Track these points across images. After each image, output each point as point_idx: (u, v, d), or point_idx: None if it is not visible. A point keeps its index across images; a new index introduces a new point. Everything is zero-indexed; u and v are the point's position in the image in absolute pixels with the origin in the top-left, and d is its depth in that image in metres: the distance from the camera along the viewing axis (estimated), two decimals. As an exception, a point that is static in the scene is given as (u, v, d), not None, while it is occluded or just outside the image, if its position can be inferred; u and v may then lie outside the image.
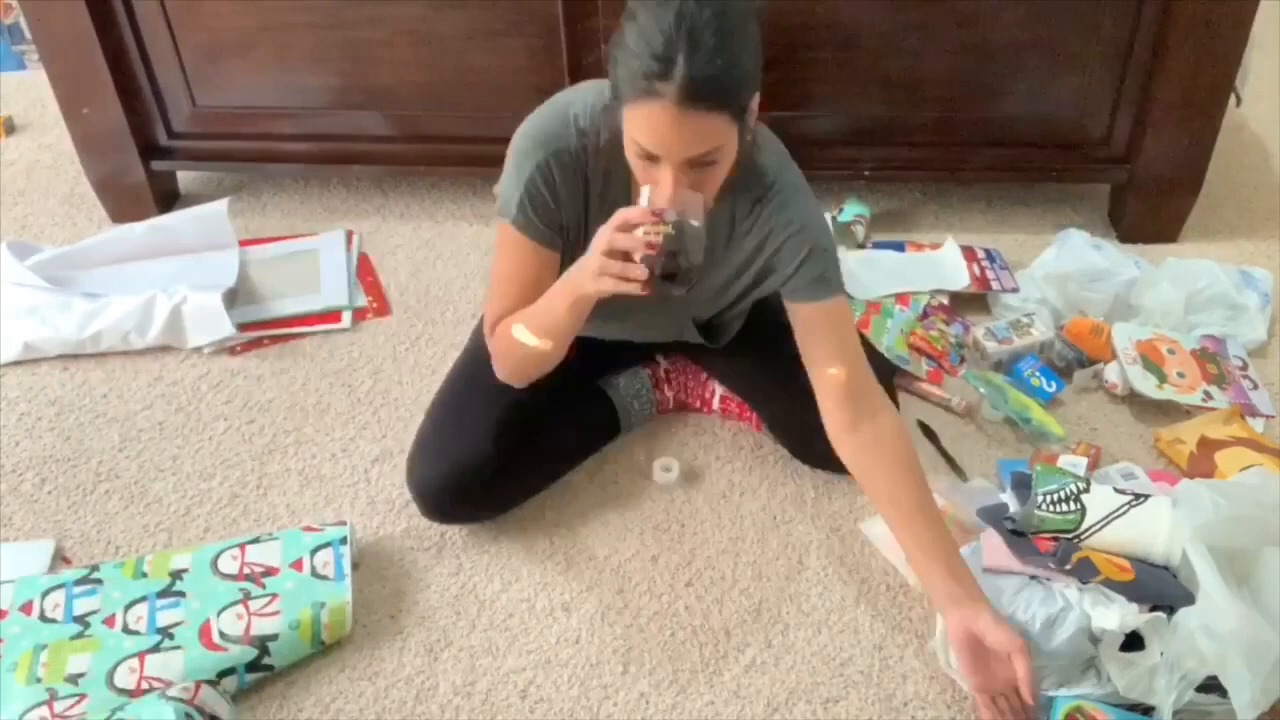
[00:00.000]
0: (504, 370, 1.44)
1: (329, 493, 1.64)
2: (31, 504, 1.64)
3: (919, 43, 1.94)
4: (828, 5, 1.92)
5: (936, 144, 2.08)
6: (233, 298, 1.98)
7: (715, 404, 1.72)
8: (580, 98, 1.34)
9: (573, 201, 1.35)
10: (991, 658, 1.23)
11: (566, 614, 1.46)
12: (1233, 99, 1.96)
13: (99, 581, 1.45)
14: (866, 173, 2.10)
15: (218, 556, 1.47)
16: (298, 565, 1.45)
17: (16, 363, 1.89)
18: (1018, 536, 1.35)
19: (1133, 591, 1.26)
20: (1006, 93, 2.00)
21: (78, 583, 1.45)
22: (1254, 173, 2.33)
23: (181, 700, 1.25)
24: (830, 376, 1.38)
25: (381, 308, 2.01)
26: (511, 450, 1.51)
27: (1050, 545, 1.33)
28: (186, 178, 2.36)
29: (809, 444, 1.60)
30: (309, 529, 1.51)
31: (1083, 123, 2.02)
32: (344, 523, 1.52)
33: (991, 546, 1.35)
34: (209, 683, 1.30)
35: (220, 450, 1.73)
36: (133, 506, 1.63)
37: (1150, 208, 2.08)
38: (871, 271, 1.94)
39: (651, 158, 1.17)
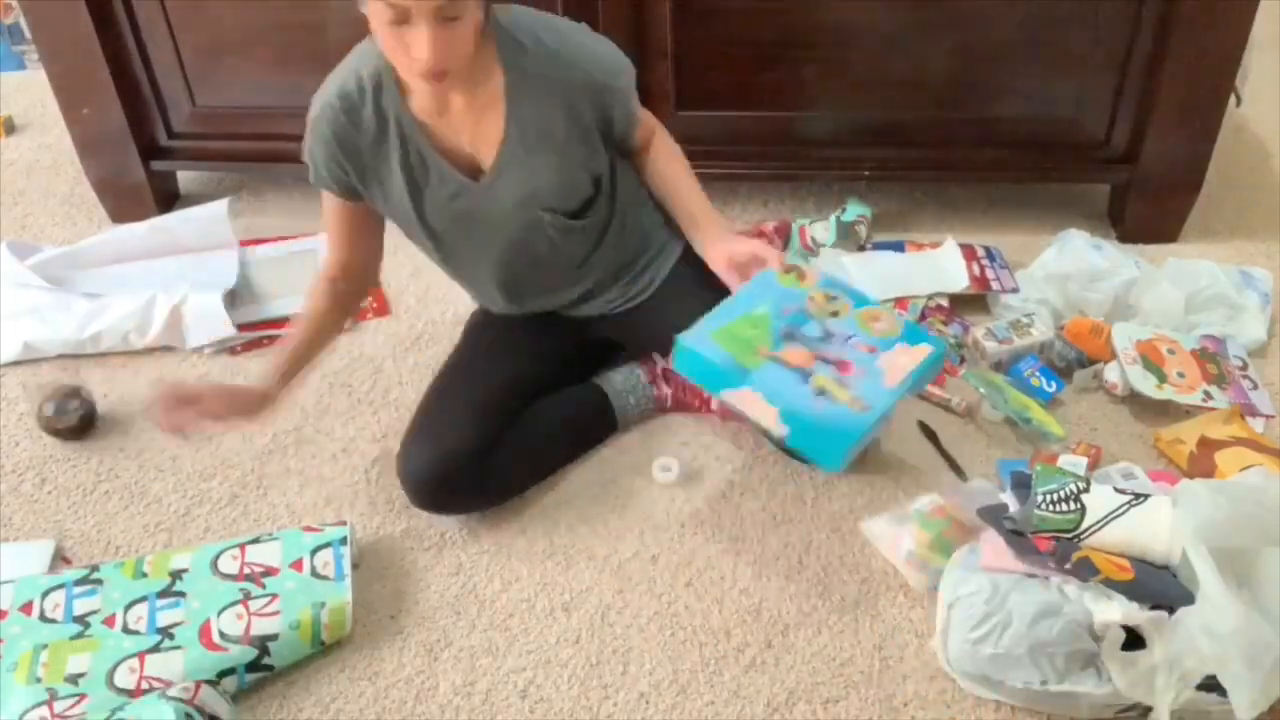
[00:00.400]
0: None
1: (329, 493, 1.64)
2: (31, 504, 1.64)
3: (919, 43, 1.94)
4: (828, 5, 1.92)
5: (936, 144, 2.08)
6: (233, 298, 1.98)
7: (715, 404, 1.72)
8: (346, 65, 1.45)
9: (359, 156, 1.45)
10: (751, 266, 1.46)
11: (566, 614, 1.46)
12: (1233, 99, 1.96)
13: (99, 581, 1.45)
14: (866, 173, 2.10)
15: (218, 557, 1.47)
16: (298, 565, 1.45)
17: (16, 363, 1.89)
18: (1017, 536, 1.35)
19: (1133, 591, 1.26)
20: (1006, 93, 2.00)
21: (78, 583, 1.45)
22: (1254, 173, 2.33)
23: (182, 700, 1.25)
24: (642, 140, 1.57)
25: (381, 308, 2.01)
26: (498, 437, 1.53)
27: (1050, 545, 1.33)
28: (186, 178, 2.37)
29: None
30: (309, 529, 1.51)
31: (1083, 123, 2.02)
32: (344, 523, 1.52)
33: (991, 546, 1.35)
34: (209, 683, 1.31)
35: (220, 450, 1.73)
36: (133, 506, 1.63)
37: (1150, 208, 2.08)
38: (870, 275, 1.94)
39: (402, 20, 1.24)
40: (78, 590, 1.44)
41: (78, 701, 1.30)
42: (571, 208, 1.51)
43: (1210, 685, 1.20)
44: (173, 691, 1.27)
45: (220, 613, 1.39)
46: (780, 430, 1.29)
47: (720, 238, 1.50)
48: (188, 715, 1.24)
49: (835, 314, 1.40)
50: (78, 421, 1.73)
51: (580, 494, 1.62)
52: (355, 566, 1.49)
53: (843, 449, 1.29)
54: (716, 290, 1.48)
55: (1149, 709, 1.23)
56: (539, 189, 1.47)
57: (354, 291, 1.61)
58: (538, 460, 1.63)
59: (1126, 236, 2.11)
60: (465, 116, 1.42)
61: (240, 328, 1.93)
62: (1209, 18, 1.83)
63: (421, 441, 1.54)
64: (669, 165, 1.58)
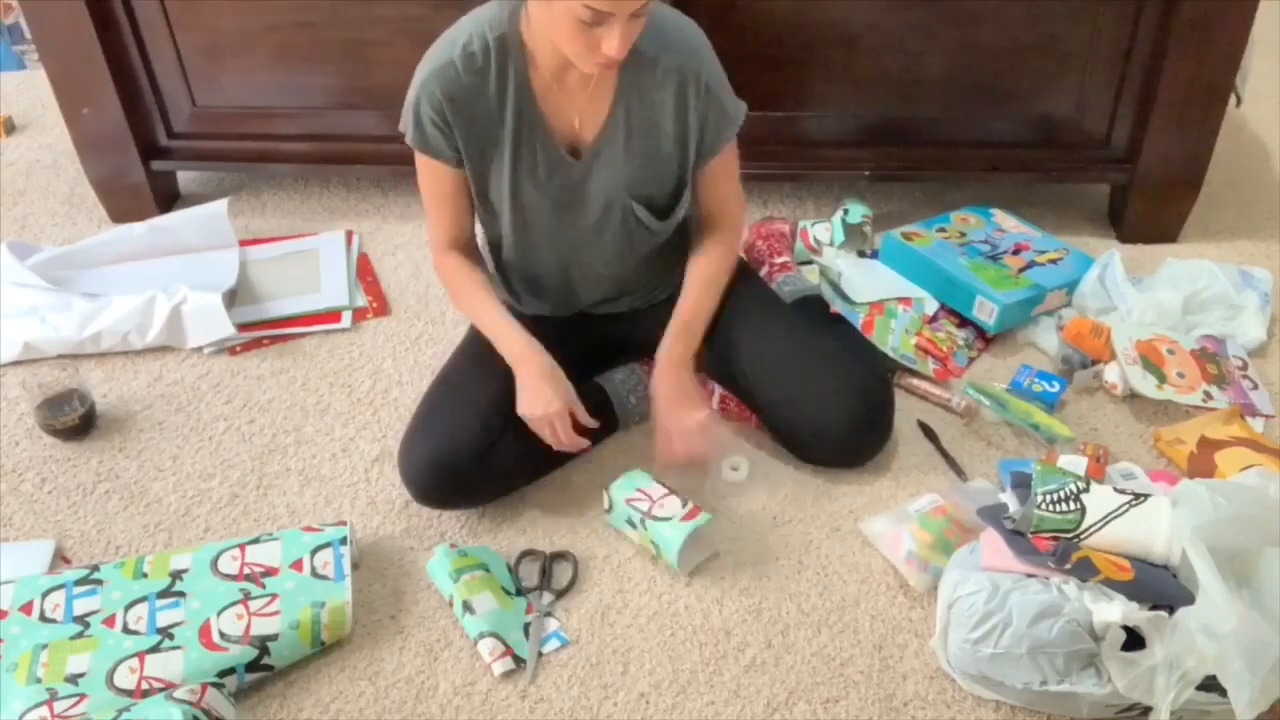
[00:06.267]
0: (453, 300, 1.64)
1: (329, 493, 1.64)
2: (31, 504, 1.64)
3: (919, 43, 1.94)
4: (828, 5, 1.92)
5: (936, 144, 2.08)
6: (233, 298, 1.98)
7: (715, 403, 1.72)
8: (464, 26, 1.43)
9: (472, 119, 1.44)
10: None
11: (566, 614, 1.46)
12: (1233, 99, 1.96)
13: (99, 582, 1.45)
14: (867, 173, 2.10)
15: (218, 557, 1.47)
16: (298, 566, 1.45)
17: (16, 363, 1.89)
18: (1017, 536, 1.35)
19: (1132, 591, 1.26)
20: (1007, 92, 2.00)
21: (78, 583, 1.45)
22: (1254, 173, 2.33)
23: (188, 703, 1.25)
24: (710, 213, 1.61)
25: (381, 308, 2.01)
26: (499, 433, 1.53)
27: (1050, 545, 1.33)
28: (186, 178, 2.37)
29: (809, 443, 1.61)
30: (309, 529, 1.51)
31: (1083, 123, 2.02)
32: (344, 523, 1.52)
33: (991, 546, 1.35)
34: (215, 685, 1.30)
35: (220, 450, 1.73)
36: (133, 506, 1.63)
37: (1150, 208, 2.08)
38: (873, 277, 1.94)
39: (598, 22, 1.26)
40: (78, 590, 1.44)
41: (78, 702, 1.30)
42: (660, 204, 1.55)
43: (1210, 685, 1.20)
44: (179, 693, 1.27)
45: (220, 613, 1.39)
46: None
47: (674, 389, 1.56)
48: (194, 717, 1.24)
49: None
50: (78, 421, 1.73)
51: (580, 494, 1.62)
52: (355, 566, 1.49)
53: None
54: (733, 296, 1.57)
55: (1149, 709, 1.23)
56: (633, 176, 1.50)
57: (472, 257, 1.61)
58: (538, 458, 1.63)
59: (1126, 236, 2.12)
60: (579, 93, 1.44)
61: (240, 328, 1.93)
62: (1209, 18, 1.83)
63: (425, 435, 1.54)
64: (699, 270, 1.60)
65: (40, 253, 2.06)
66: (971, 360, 1.83)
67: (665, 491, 1.51)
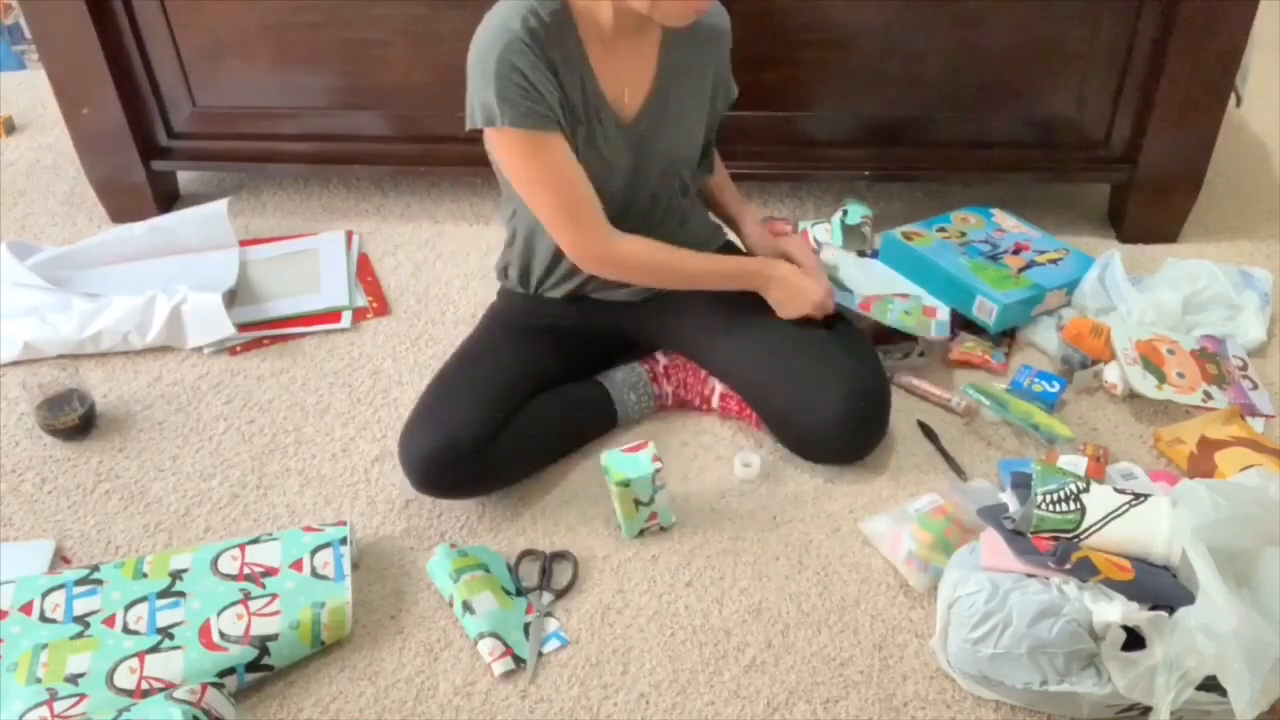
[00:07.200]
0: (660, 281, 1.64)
1: (329, 493, 1.64)
2: (31, 504, 1.64)
3: (919, 43, 1.95)
4: (828, 5, 1.92)
5: (936, 144, 2.08)
6: (233, 298, 1.98)
7: (715, 402, 1.72)
8: (511, 8, 1.42)
9: (547, 85, 1.42)
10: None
11: (566, 614, 1.46)
12: (1233, 99, 1.96)
13: (99, 582, 1.45)
14: (866, 173, 2.11)
15: (218, 557, 1.47)
16: (298, 566, 1.45)
17: (16, 363, 1.89)
18: (1017, 536, 1.35)
19: (1132, 591, 1.26)
20: (1006, 92, 2.00)
21: (78, 583, 1.45)
22: (1254, 173, 2.33)
23: (188, 703, 1.25)
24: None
25: (381, 308, 2.01)
26: (500, 425, 1.54)
27: (1050, 545, 1.33)
28: (186, 178, 2.37)
29: (809, 442, 1.61)
30: (309, 529, 1.51)
31: (1083, 123, 2.02)
32: (344, 523, 1.52)
33: (991, 546, 1.35)
34: (215, 685, 1.30)
35: (220, 450, 1.73)
36: (133, 506, 1.63)
37: (1150, 208, 2.08)
38: (872, 274, 1.94)
39: None
40: (78, 590, 1.44)
41: (78, 702, 1.30)
42: (696, 163, 1.63)
43: (1210, 685, 1.20)
44: (179, 694, 1.27)
45: (220, 613, 1.39)
46: None
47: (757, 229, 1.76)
48: (194, 717, 1.24)
49: None
50: (78, 421, 1.73)
51: (580, 494, 1.62)
52: (355, 566, 1.49)
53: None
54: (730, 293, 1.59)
55: (1149, 709, 1.23)
56: (680, 137, 1.56)
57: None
58: (538, 452, 1.63)
59: (1126, 236, 2.12)
60: (626, 56, 1.47)
61: (240, 328, 1.93)
62: (1209, 18, 1.83)
63: (426, 424, 1.55)
64: (727, 181, 1.79)
65: (40, 253, 2.06)
66: (1008, 355, 1.84)
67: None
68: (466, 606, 1.41)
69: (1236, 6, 1.83)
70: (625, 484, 1.48)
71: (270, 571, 1.44)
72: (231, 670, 1.34)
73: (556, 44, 1.42)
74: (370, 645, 1.42)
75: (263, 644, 1.36)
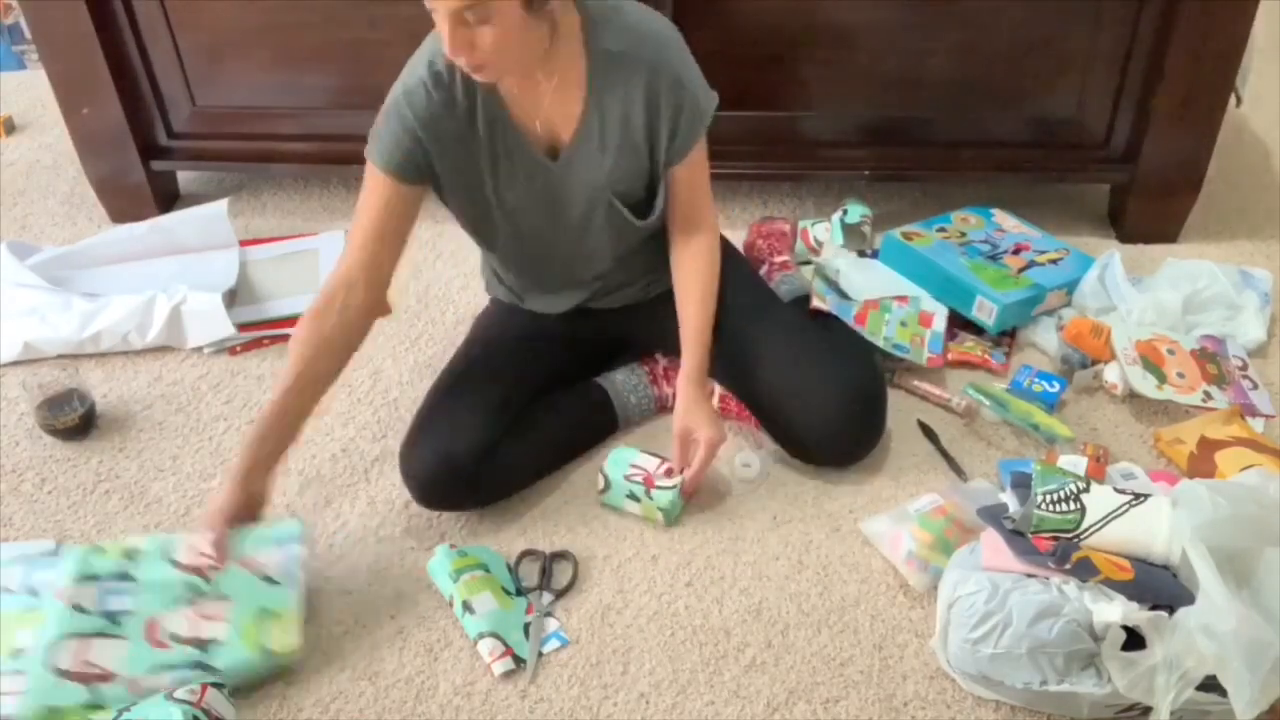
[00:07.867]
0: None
1: (329, 493, 1.64)
2: (31, 504, 1.64)
3: (919, 43, 1.95)
4: (828, 5, 1.92)
5: (936, 144, 2.08)
6: (233, 298, 1.98)
7: (715, 402, 1.72)
8: (428, 47, 1.45)
9: (447, 138, 1.44)
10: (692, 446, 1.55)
11: (566, 614, 1.46)
12: (1233, 99, 1.96)
13: (55, 555, 1.44)
14: (866, 173, 2.11)
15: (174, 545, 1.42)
16: (247, 563, 1.41)
17: (16, 363, 1.89)
18: (1017, 536, 1.35)
19: (1132, 591, 1.26)
20: (1006, 92, 2.00)
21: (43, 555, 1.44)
22: (1254, 173, 2.33)
23: (188, 703, 1.25)
24: (684, 216, 1.57)
25: (382, 308, 2.01)
26: (502, 436, 1.54)
27: (1050, 545, 1.33)
28: (186, 178, 2.37)
29: (805, 445, 1.61)
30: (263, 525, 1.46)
31: (1083, 123, 2.02)
32: (297, 517, 1.48)
33: (991, 546, 1.35)
34: (215, 685, 1.30)
35: (220, 450, 1.73)
36: (133, 506, 1.63)
37: (1150, 208, 2.08)
38: (869, 277, 1.94)
39: (433, 15, 1.28)
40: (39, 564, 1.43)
41: (17, 678, 1.28)
42: (637, 200, 1.54)
43: (1210, 685, 1.20)
44: (180, 693, 1.26)
45: (167, 609, 1.35)
46: None
47: (688, 406, 1.55)
48: (194, 717, 1.24)
49: None
50: (78, 421, 1.73)
51: (580, 494, 1.62)
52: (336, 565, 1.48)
53: None
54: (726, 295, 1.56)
55: (1149, 709, 1.23)
56: (612, 172, 1.49)
57: (366, 306, 1.53)
58: (539, 458, 1.63)
59: (1126, 236, 2.12)
60: (546, 97, 1.44)
61: (240, 328, 1.93)
62: (1209, 18, 1.83)
63: (427, 440, 1.54)
64: (691, 283, 1.58)
65: (40, 253, 2.06)
66: (1008, 355, 1.84)
67: (660, 461, 1.55)
68: (466, 606, 1.41)
69: (1236, 6, 1.83)
70: (666, 511, 1.54)
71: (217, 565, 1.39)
72: (173, 668, 1.31)
73: (464, 87, 1.42)
74: (370, 645, 1.42)
75: (206, 647, 1.33)
